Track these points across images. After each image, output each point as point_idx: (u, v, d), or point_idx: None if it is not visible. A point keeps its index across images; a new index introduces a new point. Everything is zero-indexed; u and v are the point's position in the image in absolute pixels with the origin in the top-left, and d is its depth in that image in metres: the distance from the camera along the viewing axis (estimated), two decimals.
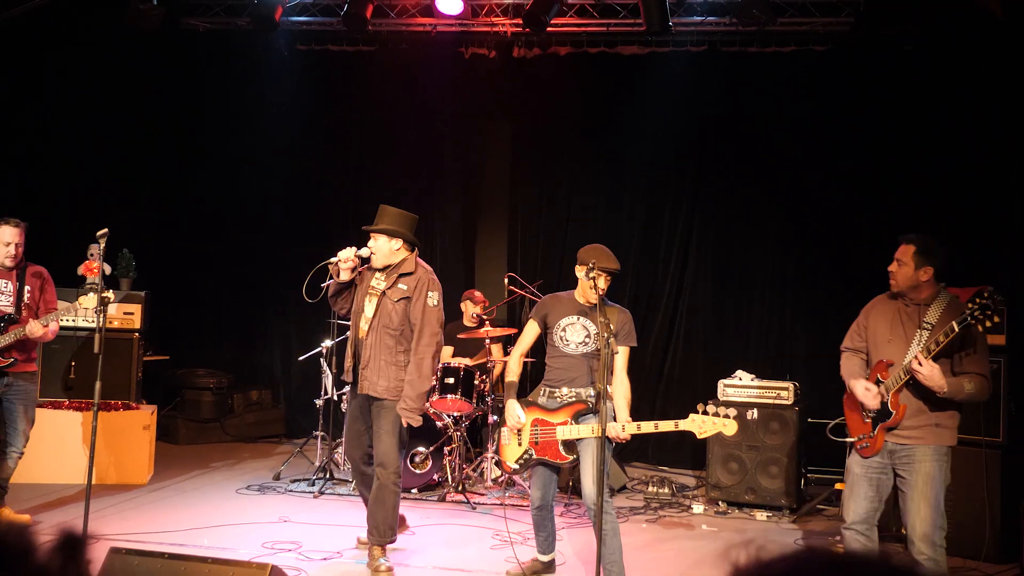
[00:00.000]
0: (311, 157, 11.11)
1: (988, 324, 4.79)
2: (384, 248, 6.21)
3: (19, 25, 9.67)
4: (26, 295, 6.86)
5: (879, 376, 5.19)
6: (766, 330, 9.90)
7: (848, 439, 5.39)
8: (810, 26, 9.48)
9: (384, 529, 6.10)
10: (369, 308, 6.21)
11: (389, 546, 6.26)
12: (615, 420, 5.54)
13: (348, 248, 6.18)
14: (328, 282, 6.41)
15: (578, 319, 5.76)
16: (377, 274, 6.30)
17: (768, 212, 9.96)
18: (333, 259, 6.20)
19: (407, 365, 6.14)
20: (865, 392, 5.17)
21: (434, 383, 8.20)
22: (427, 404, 8.21)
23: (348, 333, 6.57)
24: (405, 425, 6.07)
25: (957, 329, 4.82)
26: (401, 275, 6.20)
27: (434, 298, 6.18)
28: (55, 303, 7.05)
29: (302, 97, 11.05)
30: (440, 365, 8.54)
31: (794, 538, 7.37)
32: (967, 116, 8.70)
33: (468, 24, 10.09)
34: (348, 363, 6.37)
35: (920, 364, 4.85)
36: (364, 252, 6.22)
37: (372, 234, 6.27)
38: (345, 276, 6.23)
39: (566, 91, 10.52)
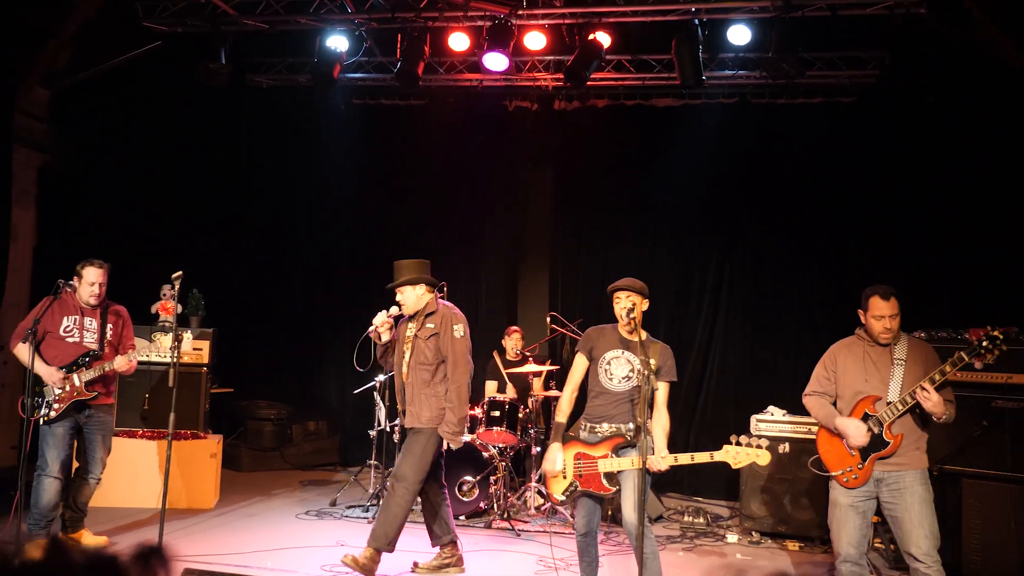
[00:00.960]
0: (365, 203, 11.32)
1: (990, 359, 5.03)
2: (411, 297, 6.57)
3: (101, 82, 10.01)
4: (108, 332, 7.04)
5: (867, 410, 5.30)
6: (796, 368, 9.85)
7: (830, 473, 5.44)
8: (837, 79, 9.63)
9: (379, 534, 6.27)
10: (407, 353, 6.55)
11: None
12: (653, 452, 5.56)
13: (380, 313, 6.61)
14: (374, 347, 6.76)
15: (622, 353, 5.76)
16: (409, 323, 6.63)
17: (796, 255, 9.99)
18: (371, 328, 6.58)
19: (445, 393, 6.48)
20: (857, 430, 5.27)
21: (478, 411, 8.54)
22: (473, 435, 8.34)
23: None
24: (445, 448, 6.38)
25: (967, 359, 5.05)
26: (428, 315, 6.54)
27: (459, 330, 6.51)
28: (132, 340, 7.23)
29: (357, 147, 11.29)
30: (486, 399, 8.66)
31: (826, 567, 7.33)
32: (989, 164, 8.70)
33: (512, 79, 10.32)
34: (400, 407, 6.66)
35: (928, 393, 5.04)
36: (394, 311, 6.59)
37: (397, 289, 6.59)
38: (386, 336, 6.67)
39: (604, 141, 10.67)
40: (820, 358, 5.74)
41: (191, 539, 7.39)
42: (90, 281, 6.85)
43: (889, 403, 5.24)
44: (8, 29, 8.42)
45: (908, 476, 5.19)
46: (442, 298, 6.83)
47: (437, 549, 6.74)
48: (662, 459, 5.46)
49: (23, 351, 6.68)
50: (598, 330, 5.97)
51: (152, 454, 8.53)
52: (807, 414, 8.17)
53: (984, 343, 5.03)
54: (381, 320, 6.57)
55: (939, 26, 8.19)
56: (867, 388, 5.35)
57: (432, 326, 6.50)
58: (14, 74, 9.13)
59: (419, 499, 6.68)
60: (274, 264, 11.41)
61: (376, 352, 6.71)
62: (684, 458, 5.54)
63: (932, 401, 5.03)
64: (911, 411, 5.22)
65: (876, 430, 5.23)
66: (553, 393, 8.86)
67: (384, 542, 6.27)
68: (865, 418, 5.29)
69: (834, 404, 5.58)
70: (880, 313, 5.34)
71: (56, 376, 6.67)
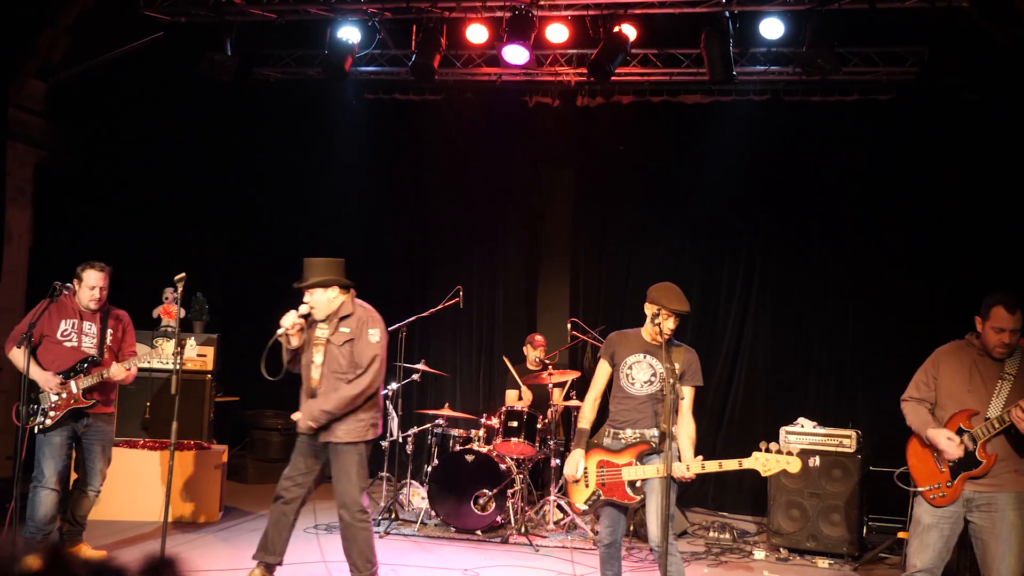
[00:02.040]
0: (378, 202, 11.41)
1: None
2: (322, 300, 6.33)
3: (100, 75, 10.10)
4: (108, 337, 7.10)
5: (961, 425, 5.23)
6: (827, 378, 9.95)
7: (917, 488, 5.39)
8: (874, 76, 9.64)
9: (362, 563, 6.30)
10: (318, 357, 6.37)
11: None
12: (679, 460, 5.61)
13: (288, 314, 6.28)
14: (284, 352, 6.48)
15: (644, 357, 5.84)
16: (320, 324, 6.41)
17: (828, 261, 10.07)
18: (280, 331, 6.28)
19: (363, 407, 6.31)
20: (948, 442, 5.19)
21: (495, 422, 8.65)
22: (490, 446, 8.44)
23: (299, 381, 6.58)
24: (295, 424, 6.37)
25: None
26: (342, 319, 6.35)
27: (375, 335, 6.31)
28: (134, 347, 7.29)
29: (369, 144, 11.36)
30: (503, 408, 8.78)
31: None
32: None
33: (533, 74, 10.36)
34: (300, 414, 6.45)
35: (1023, 415, 4.95)
36: (303, 309, 6.32)
37: (307, 290, 6.36)
38: (295, 341, 6.35)
39: (628, 139, 10.74)
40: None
41: (195, 554, 7.49)
42: (90, 285, 6.91)
43: (987, 419, 5.17)
44: (1, 18, 8.47)
45: (1001, 499, 5.12)
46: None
47: (254, 564, 6.53)
48: (688, 467, 5.53)
49: (18, 356, 6.72)
50: (620, 335, 6.06)
51: (154, 465, 8.63)
52: (837, 426, 8.37)
53: None
54: (291, 322, 6.24)
55: (983, 21, 8.22)
56: (968, 400, 5.27)
57: (347, 331, 6.30)
58: (8, 65, 9.19)
59: (282, 502, 6.51)
60: (281, 266, 11.40)
61: (285, 358, 6.41)
62: (712, 465, 5.56)
63: None
64: (1008, 431, 5.12)
65: (971, 447, 5.16)
66: (574, 403, 8.95)
67: (370, 568, 6.32)
68: (959, 433, 5.23)
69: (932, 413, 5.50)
70: (1002, 326, 5.19)
71: (53, 381, 6.73)
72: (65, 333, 6.92)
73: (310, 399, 6.37)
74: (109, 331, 7.13)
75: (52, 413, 6.77)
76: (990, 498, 5.13)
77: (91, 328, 7.03)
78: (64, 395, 6.80)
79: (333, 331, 6.32)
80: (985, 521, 5.13)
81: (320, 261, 6.42)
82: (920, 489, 5.37)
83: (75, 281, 6.97)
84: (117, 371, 6.90)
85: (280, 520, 6.47)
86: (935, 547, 5.26)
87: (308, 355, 6.40)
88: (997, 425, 5.10)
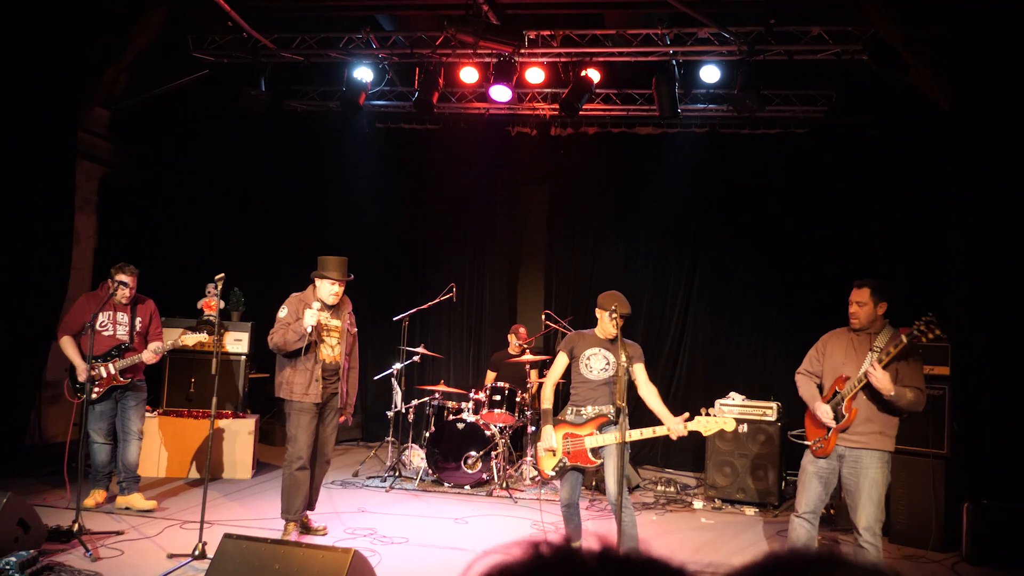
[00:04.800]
0: (386, 214, 11.39)
1: (931, 336, 5.03)
2: (340, 292, 6.57)
3: (155, 105, 10.15)
4: (138, 325, 7.22)
5: (837, 388, 5.35)
6: (754, 360, 10.06)
7: (807, 442, 5.52)
8: (792, 113, 9.80)
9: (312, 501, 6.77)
10: (334, 340, 6.58)
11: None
12: (631, 429, 5.66)
13: (312, 314, 6.27)
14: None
15: (600, 351, 5.96)
16: (327, 314, 6.47)
17: (756, 262, 10.17)
18: (309, 329, 6.24)
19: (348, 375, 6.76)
20: (825, 414, 5.32)
21: (482, 396, 8.69)
22: (478, 415, 8.50)
23: (308, 362, 6.45)
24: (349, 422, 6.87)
25: (906, 341, 5.07)
26: (351, 312, 6.65)
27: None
28: (160, 329, 7.42)
29: (380, 165, 11.35)
30: (488, 386, 8.85)
31: (777, 529, 7.54)
32: (917, 186, 8.85)
33: (515, 108, 10.39)
34: (320, 386, 6.44)
35: (874, 369, 5.07)
36: (317, 305, 6.37)
37: (341, 282, 6.50)
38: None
39: (594, 163, 10.79)
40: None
41: (230, 505, 7.57)
42: (122, 284, 7.02)
43: (848, 380, 5.29)
44: (72, 58, 8.50)
45: (866, 457, 5.19)
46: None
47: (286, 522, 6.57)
48: (681, 425, 5.66)
49: (66, 344, 6.95)
50: (578, 334, 6.16)
51: (197, 431, 8.68)
52: (762, 399, 8.48)
53: (921, 327, 5.08)
54: (316, 319, 6.29)
55: (879, 70, 8.37)
56: (844, 369, 5.38)
57: (350, 322, 6.63)
58: (78, 97, 9.19)
59: (303, 469, 6.51)
60: (306, 265, 11.38)
61: (301, 346, 6.32)
62: (662, 430, 5.70)
63: (876, 376, 5.04)
64: (871, 391, 5.19)
65: (841, 408, 5.28)
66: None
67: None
68: (835, 395, 5.34)
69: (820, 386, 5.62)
70: (850, 299, 5.41)
71: (84, 376, 6.79)
72: (103, 324, 7.00)
73: (331, 376, 6.56)
74: (138, 319, 7.25)
75: (97, 389, 6.96)
76: (858, 455, 5.22)
77: (123, 318, 7.16)
78: (104, 376, 6.97)
79: (347, 321, 6.54)
80: (853, 475, 5.23)
81: (338, 258, 6.59)
82: (809, 442, 5.50)
83: (110, 280, 7.07)
84: (148, 356, 7.09)
85: (307, 482, 6.59)
86: (816, 491, 5.39)
87: (317, 339, 6.44)
88: (856, 384, 5.21)
